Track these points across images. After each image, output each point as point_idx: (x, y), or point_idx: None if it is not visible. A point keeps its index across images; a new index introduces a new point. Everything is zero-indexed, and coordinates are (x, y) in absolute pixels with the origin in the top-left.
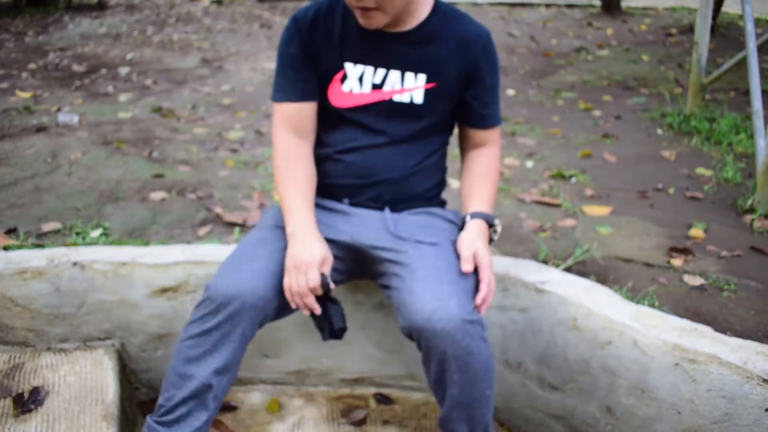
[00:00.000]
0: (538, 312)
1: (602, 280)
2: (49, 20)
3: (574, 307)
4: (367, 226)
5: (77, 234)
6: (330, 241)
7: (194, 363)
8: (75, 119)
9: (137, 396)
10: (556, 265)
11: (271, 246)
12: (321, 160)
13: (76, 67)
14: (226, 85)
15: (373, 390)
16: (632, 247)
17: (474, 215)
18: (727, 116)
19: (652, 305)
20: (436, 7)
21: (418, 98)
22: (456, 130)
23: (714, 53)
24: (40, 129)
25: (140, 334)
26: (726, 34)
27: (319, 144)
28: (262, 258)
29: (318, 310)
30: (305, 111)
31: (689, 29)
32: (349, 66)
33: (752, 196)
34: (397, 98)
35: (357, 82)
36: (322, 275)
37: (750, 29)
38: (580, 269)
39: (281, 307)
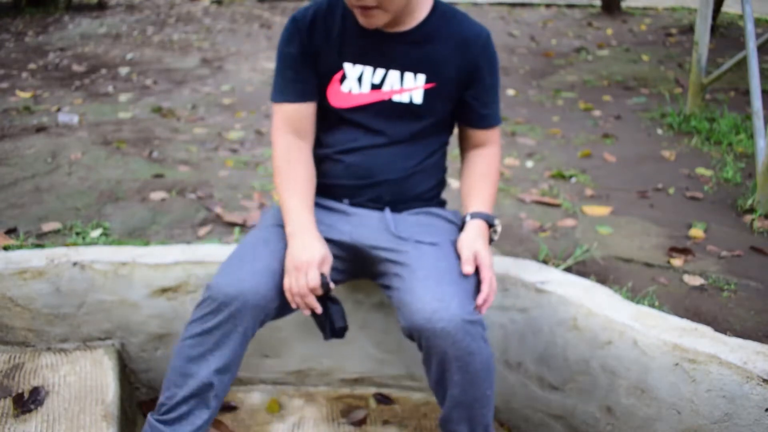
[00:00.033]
0: (538, 312)
1: (602, 280)
2: (49, 20)
3: (574, 307)
4: (367, 226)
5: (77, 234)
6: (330, 241)
7: (195, 362)
8: (75, 119)
9: (137, 396)
10: (556, 265)
11: (272, 245)
12: (321, 160)
13: (76, 67)
14: (226, 85)
15: (373, 390)
16: (632, 247)
17: (474, 215)
18: (727, 116)
19: (652, 305)
20: (436, 7)
21: (418, 98)
22: (456, 130)
23: (714, 53)
24: (40, 129)
25: (140, 334)
26: (726, 34)
27: (319, 144)
28: (263, 257)
29: (319, 309)
30: (304, 111)
31: (689, 29)
32: (348, 66)
33: (752, 196)
34: (396, 98)
35: (356, 83)
36: (322, 275)
37: (750, 29)
38: (580, 269)
39: (282, 306)
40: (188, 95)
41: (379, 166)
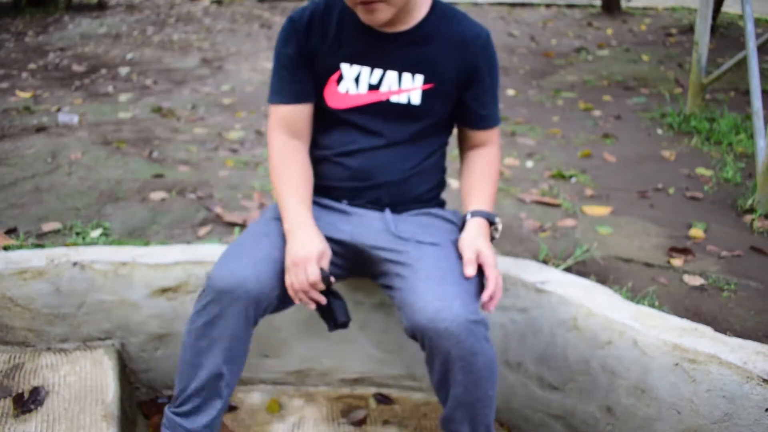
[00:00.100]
0: (538, 312)
1: (602, 280)
2: (49, 20)
3: (574, 307)
4: (367, 226)
5: (77, 234)
6: (330, 239)
7: (203, 353)
8: (75, 119)
9: (137, 396)
10: (556, 265)
11: (272, 237)
12: (319, 162)
13: (76, 67)
14: (226, 85)
15: (373, 390)
16: (632, 247)
17: (474, 213)
18: (727, 116)
19: (652, 305)
20: (435, 7)
21: (416, 99)
22: (455, 131)
23: (714, 53)
24: (40, 129)
25: (140, 334)
26: (726, 34)
27: (317, 146)
28: (263, 247)
29: (323, 300)
30: (300, 113)
31: (689, 29)
32: (345, 66)
33: (752, 196)
34: (394, 99)
35: (353, 83)
36: (322, 269)
37: (750, 29)
38: (580, 269)
39: (283, 296)
40: (188, 95)
41: (378, 168)
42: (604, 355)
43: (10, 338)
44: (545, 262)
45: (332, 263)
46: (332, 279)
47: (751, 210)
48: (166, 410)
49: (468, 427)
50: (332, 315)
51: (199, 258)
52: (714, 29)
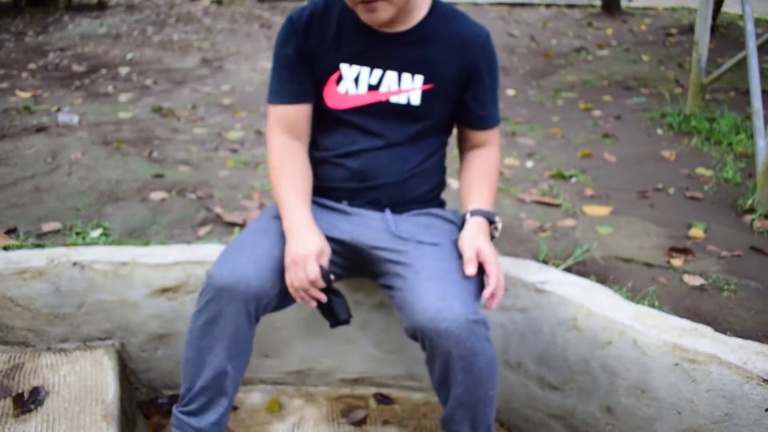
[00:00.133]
0: (538, 312)
1: (602, 280)
2: (49, 20)
3: (574, 307)
4: (367, 226)
5: (77, 234)
6: (330, 239)
7: (206, 352)
8: (75, 119)
9: (137, 396)
10: (556, 265)
11: (272, 235)
12: (319, 163)
13: (76, 67)
14: (226, 85)
15: (373, 390)
16: (632, 247)
17: (474, 212)
18: (727, 116)
19: (652, 305)
20: (434, 7)
21: (416, 100)
22: (455, 131)
23: (714, 53)
24: (40, 129)
25: (140, 334)
26: (726, 34)
27: (317, 147)
28: (263, 244)
29: (323, 298)
30: (299, 113)
31: (689, 29)
32: (344, 67)
33: (752, 196)
34: (393, 99)
35: (353, 83)
36: (321, 267)
37: (750, 29)
38: (580, 269)
39: (283, 293)
40: (188, 95)
41: (378, 169)
42: (604, 355)
43: (10, 338)
44: (545, 262)
45: (332, 263)
46: (332, 276)
47: (751, 210)
48: (174, 410)
49: (468, 427)
50: (333, 312)
51: (199, 258)
52: (714, 29)
